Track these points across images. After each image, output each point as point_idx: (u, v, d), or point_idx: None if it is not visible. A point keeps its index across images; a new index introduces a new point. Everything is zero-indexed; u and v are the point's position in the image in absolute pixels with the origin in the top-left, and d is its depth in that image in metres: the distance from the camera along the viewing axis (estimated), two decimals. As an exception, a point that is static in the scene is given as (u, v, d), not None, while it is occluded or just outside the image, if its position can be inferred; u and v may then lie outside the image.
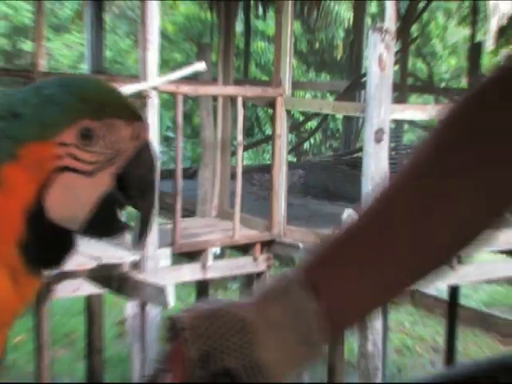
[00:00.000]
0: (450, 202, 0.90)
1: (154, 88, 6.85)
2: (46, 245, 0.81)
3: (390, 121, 7.31)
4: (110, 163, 0.80)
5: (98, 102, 0.80)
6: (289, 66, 8.15)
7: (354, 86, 11.00)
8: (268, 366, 0.75)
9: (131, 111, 0.83)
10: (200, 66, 7.32)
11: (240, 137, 7.75)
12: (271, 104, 8.27)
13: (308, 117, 13.44)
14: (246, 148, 10.49)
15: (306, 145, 15.04)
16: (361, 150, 8.46)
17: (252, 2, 11.49)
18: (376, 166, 7.00)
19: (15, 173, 0.77)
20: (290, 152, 10.57)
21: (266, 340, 0.76)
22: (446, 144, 0.92)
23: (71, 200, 0.80)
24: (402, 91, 9.18)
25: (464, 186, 0.90)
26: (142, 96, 6.81)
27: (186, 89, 7.23)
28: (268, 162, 8.17)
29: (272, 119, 8.39)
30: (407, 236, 0.89)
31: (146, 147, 0.84)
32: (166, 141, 10.53)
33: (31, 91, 0.82)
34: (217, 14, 10.75)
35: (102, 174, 0.80)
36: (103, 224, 0.84)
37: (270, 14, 11.67)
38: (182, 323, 0.76)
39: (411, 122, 10.67)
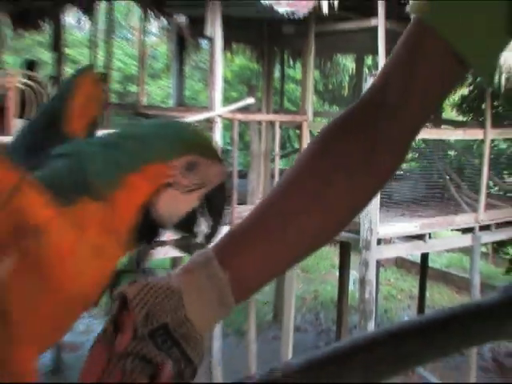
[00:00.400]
0: (327, 197, 0.88)
1: (218, 116, 6.89)
2: (144, 231, 0.82)
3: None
4: (200, 188, 0.82)
5: (204, 146, 0.82)
6: (311, 101, 8.37)
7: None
8: (193, 320, 0.76)
9: (221, 158, 0.84)
10: (249, 101, 7.32)
11: (277, 149, 7.90)
12: (298, 127, 8.52)
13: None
14: (281, 157, 10.52)
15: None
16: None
17: (285, 56, 11.51)
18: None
19: (137, 180, 0.79)
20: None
21: (191, 301, 0.76)
22: (316, 152, 0.91)
23: (169, 208, 0.81)
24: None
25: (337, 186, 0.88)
26: (210, 121, 6.84)
27: (240, 116, 7.29)
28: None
29: (299, 137, 8.51)
30: (296, 221, 0.87)
31: (224, 183, 0.84)
32: (225, 152, 10.53)
33: (159, 125, 0.85)
34: (261, 65, 10.84)
35: (194, 194, 0.81)
36: (185, 228, 0.85)
37: (298, 64, 11.76)
38: (129, 294, 0.75)
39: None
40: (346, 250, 8.78)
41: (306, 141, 7.96)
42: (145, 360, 0.74)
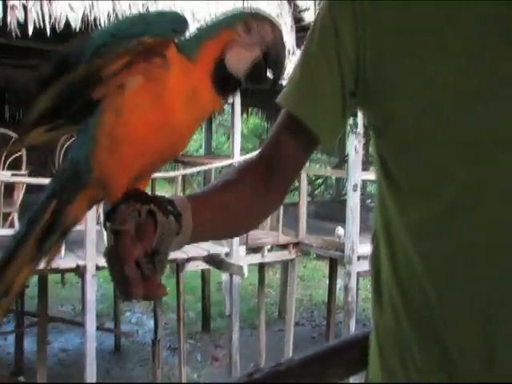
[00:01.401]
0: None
1: (238, 162, 6.94)
2: (226, 81, 0.80)
3: (361, 180, 7.26)
4: (259, 44, 0.80)
5: (256, 14, 0.81)
6: None
7: (341, 161, 10.97)
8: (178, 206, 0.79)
9: (273, 22, 0.81)
10: None
11: None
12: None
13: (317, 177, 13.48)
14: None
15: (317, 191, 14.93)
16: (345, 194, 8.41)
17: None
18: (353, 204, 6.97)
19: (211, 43, 0.80)
20: (308, 195, 10.55)
21: (178, 201, 0.81)
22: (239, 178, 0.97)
23: (237, 59, 0.80)
24: (366, 164, 9.13)
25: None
26: (231, 167, 6.90)
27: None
28: (296, 199, 8.09)
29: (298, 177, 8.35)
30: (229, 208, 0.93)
31: (278, 40, 0.81)
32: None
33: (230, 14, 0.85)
34: (270, 124, 10.88)
35: (254, 48, 0.80)
36: (255, 76, 0.82)
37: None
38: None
39: (371, 181, 10.63)
40: (334, 264, 8.84)
41: (303, 179, 8.01)
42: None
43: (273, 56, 0.81)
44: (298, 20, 6.80)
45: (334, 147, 1.02)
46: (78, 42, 0.79)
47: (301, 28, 6.93)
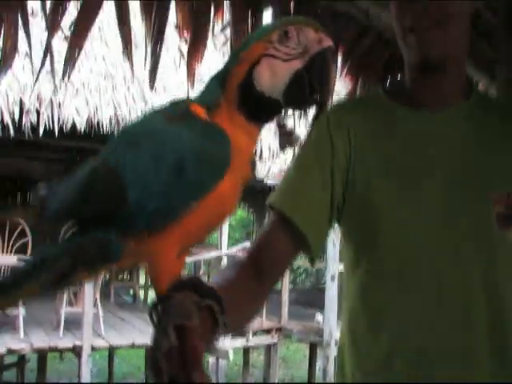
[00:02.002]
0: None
1: (225, 254, 6.94)
2: (260, 106, 0.66)
3: (338, 270, 7.27)
4: (301, 56, 0.65)
5: (296, 19, 0.68)
6: None
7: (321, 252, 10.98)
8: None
9: (318, 25, 0.67)
10: (247, 244, 7.40)
11: None
12: None
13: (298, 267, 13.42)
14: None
15: (298, 278, 14.75)
16: (324, 283, 8.36)
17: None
18: (331, 293, 6.96)
19: (244, 61, 0.66)
20: (290, 282, 10.46)
21: None
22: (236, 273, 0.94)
23: (272, 75, 0.65)
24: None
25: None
26: (219, 258, 6.90)
27: (241, 253, 7.32)
28: (279, 287, 8.01)
29: None
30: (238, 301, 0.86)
31: (327, 51, 0.65)
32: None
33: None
34: (255, 217, 10.93)
35: (294, 61, 0.64)
36: (295, 96, 0.65)
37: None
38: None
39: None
40: (314, 348, 8.66)
41: (287, 272, 7.98)
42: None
43: (318, 69, 0.65)
44: (281, 125, 7.05)
45: (318, 254, 0.98)
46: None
47: (284, 133, 7.20)
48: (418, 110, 0.96)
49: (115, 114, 5.87)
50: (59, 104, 5.61)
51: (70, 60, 1.35)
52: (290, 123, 6.99)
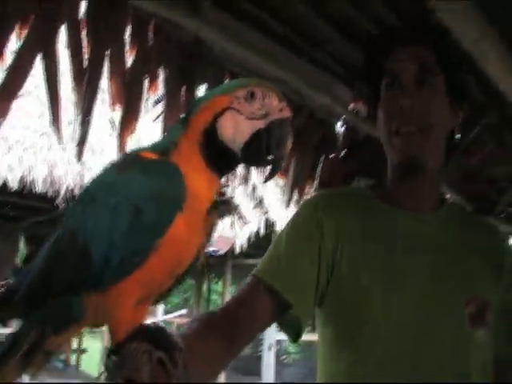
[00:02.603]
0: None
1: (162, 320, 6.75)
2: (220, 155, 0.68)
3: (276, 339, 7.18)
4: (262, 118, 0.68)
5: (264, 83, 0.71)
6: None
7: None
8: None
9: (282, 95, 0.70)
10: (183, 311, 7.26)
11: None
12: None
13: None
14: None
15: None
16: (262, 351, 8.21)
17: (211, 276, 11.56)
18: (267, 361, 6.82)
19: (207, 109, 0.68)
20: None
21: None
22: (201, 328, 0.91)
23: (234, 128, 0.67)
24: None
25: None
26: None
27: (177, 320, 7.14)
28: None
29: None
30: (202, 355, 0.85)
31: (286, 120, 0.69)
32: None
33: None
34: (194, 281, 10.79)
35: (256, 121, 0.67)
36: (253, 153, 0.68)
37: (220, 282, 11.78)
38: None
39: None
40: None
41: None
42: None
43: (277, 134, 0.68)
44: (220, 194, 7.12)
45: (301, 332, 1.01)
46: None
47: (222, 201, 7.23)
48: (398, 210, 1.04)
49: (50, 173, 5.68)
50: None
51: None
52: (228, 191, 7.05)
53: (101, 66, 1.52)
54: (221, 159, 0.69)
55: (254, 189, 6.71)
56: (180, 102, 1.76)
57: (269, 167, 0.71)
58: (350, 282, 0.99)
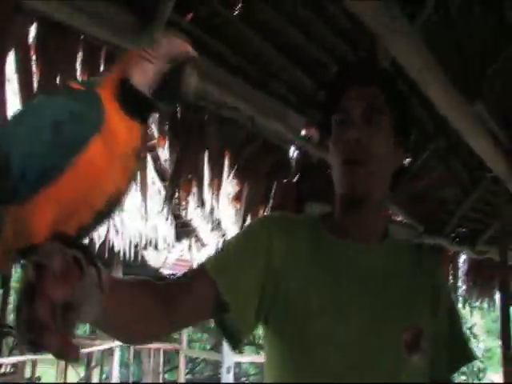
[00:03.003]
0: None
1: (117, 346, 6.55)
2: (136, 102, 0.70)
3: (234, 362, 7.10)
4: (165, 57, 0.71)
5: (168, 31, 0.75)
6: (186, 333, 7.85)
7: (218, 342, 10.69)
8: None
9: (184, 38, 0.73)
10: None
11: (160, 368, 7.22)
12: (177, 351, 7.82)
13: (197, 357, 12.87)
14: (166, 371, 9.94)
15: (197, 368, 14.11)
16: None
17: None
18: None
19: (116, 65, 0.73)
20: (190, 371, 9.92)
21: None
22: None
23: (142, 73, 0.70)
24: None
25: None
26: (111, 349, 6.48)
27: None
28: (175, 378, 7.67)
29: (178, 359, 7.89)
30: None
31: (186, 62, 0.72)
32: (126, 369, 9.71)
33: None
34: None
35: (160, 63, 0.70)
36: (162, 93, 0.71)
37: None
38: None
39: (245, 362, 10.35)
40: None
41: (182, 361, 7.69)
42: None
43: (180, 70, 0.72)
44: (177, 216, 7.06)
45: (241, 342, 1.00)
46: None
47: (180, 224, 7.21)
48: (344, 241, 1.07)
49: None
50: None
51: None
52: (185, 215, 7.02)
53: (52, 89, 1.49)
54: (135, 104, 0.71)
55: (211, 212, 6.69)
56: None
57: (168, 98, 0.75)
58: (296, 306, 1.01)
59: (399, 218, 4.13)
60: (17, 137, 0.68)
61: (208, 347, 11.59)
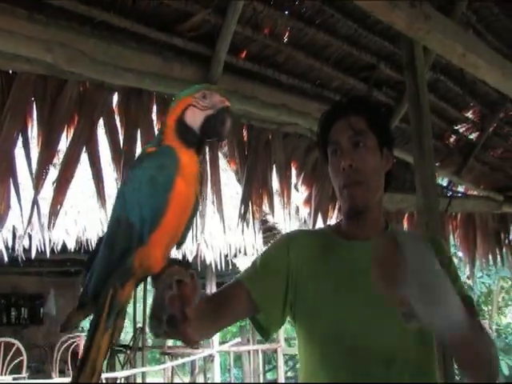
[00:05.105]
0: None
1: (217, 351, 6.81)
2: (189, 135, 0.91)
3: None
4: (211, 108, 0.90)
5: (210, 85, 0.95)
6: (283, 332, 7.87)
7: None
8: None
9: (223, 92, 0.94)
10: (237, 340, 7.23)
11: (261, 368, 7.32)
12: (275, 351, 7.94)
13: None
14: (266, 372, 10.20)
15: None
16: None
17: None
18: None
19: (177, 107, 0.92)
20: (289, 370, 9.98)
21: None
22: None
23: (194, 117, 0.90)
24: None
25: None
26: (212, 356, 6.77)
27: (233, 349, 7.19)
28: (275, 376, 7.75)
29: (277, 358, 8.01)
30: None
31: (227, 107, 0.92)
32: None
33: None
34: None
35: (207, 110, 0.90)
36: (207, 131, 0.91)
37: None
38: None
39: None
40: None
41: (281, 360, 7.85)
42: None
43: (219, 116, 0.92)
44: (264, 222, 7.29)
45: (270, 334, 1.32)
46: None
47: (266, 229, 7.45)
48: (349, 241, 1.29)
49: (102, 231, 6.07)
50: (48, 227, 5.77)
51: (53, 213, 1.56)
52: (270, 219, 7.25)
53: (134, 144, 1.75)
54: (190, 139, 0.91)
55: (296, 211, 6.87)
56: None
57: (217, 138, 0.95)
58: (313, 298, 1.23)
59: (475, 193, 4.10)
60: (128, 199, 0.91)
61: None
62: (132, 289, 0.91)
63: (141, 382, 7.54)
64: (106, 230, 0.95)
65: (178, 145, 0.91)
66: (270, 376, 11.65)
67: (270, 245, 1.35)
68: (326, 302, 1.22)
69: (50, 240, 5.87)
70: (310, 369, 1.25)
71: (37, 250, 5.88)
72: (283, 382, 7.67)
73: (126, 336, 18.42)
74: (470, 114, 3.60)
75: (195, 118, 0.91)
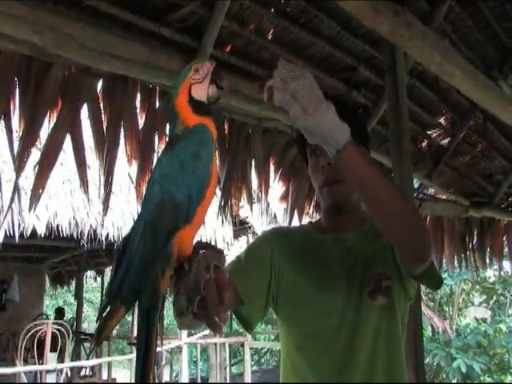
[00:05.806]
0: None
1: (185, 343, 6.84)
2: (201, 106, 0.94)
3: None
4: (206, 76, 0.94)
5: (197, 60, 0.99)
6: None
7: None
8: None
9: (208, 59, 0.99)
10: (207, 331, 7.24)
11: (227, 361, 7.43)
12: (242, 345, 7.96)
13: (262, 348, 13.02)
14: (232, 365, 10.33)
15: (263, 359, 14.24)
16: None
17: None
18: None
19: (182, 92, 0.94)
20: (256, 362, 10.04)
21: None
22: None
23: (197, 91, 0.94)
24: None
25: None
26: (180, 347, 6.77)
27: (201, 341, 7.21)
28: (242, 370, 7.80)
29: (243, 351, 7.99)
30: None
31: (217, 67, 0.97)
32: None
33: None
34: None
35: (205, 80, 0.94)
36: (212, 96, 0.96)
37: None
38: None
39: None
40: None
41: (248, 353, 7.91)
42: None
43: (217, 78, 0.98)
44: (234, 216, 7.31)
45: (252, 325, 1.33)
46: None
47: (237, 222, 7.46)
48: (328, 234, 1.34)
49: (74, 217, 5.98)
50: (19, 212, 5.67)
51: (35, 197, 1.55)
52: (243, 214, 7.27)
53: (118, 131, 1.75)
54: (205, 110, 0.95)
55: (267, 207, 6.91)
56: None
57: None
58: (293, 286, 1.28)
59: (443, 196, 4.21)
60: (174, 179, 0.89)
61: (272, 337, 11.83)
62: (169, 278, 0.88)
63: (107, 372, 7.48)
64: (138, 221, 0.91)
65: (201, 119, 0.94)
66: (235, 369, 11.73)
67: (254, 239, 1.40)
68: (302, 295, 1.28)
69: (19, 224, 5.76)
70: (291, 358, 1.29)
71: (6, 234, 5.76)
72: (249, 375, 7.72)
73: (91, 325, 18.37)
74: (442, 120, 3.68)
75: (201, 92, 0.95)
